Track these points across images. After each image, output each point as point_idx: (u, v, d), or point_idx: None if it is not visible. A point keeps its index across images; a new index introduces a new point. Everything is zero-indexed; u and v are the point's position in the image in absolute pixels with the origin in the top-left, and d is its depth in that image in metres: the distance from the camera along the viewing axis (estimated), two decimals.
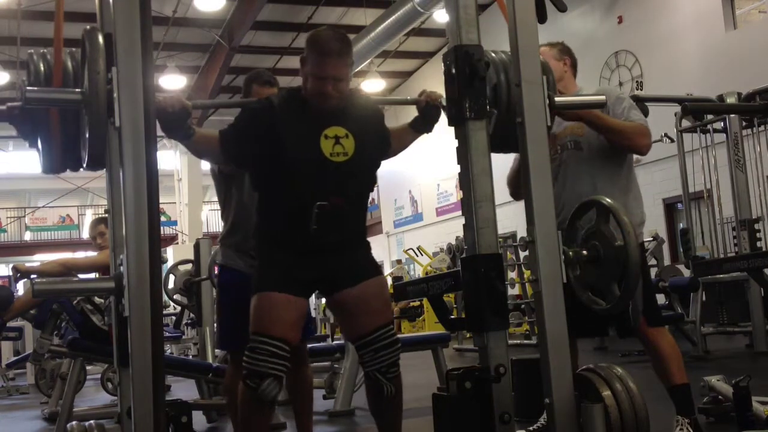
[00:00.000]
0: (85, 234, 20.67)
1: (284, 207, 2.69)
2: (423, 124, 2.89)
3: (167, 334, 8.50)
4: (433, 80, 17.29)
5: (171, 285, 6.44)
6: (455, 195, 17.10)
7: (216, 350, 5.62)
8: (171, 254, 16.77)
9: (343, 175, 2.65)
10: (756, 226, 6.62)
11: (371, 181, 2.85)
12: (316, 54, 2.63)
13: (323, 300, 8.46)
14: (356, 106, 2.77)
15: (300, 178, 2.64)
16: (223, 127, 2.71)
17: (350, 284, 2.72)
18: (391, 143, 2.90)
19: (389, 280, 15.07)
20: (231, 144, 2.67)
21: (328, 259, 2.70)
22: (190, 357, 9.05)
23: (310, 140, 2.63)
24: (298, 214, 2.63)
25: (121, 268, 1.93)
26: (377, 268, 2.86)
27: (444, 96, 2.62)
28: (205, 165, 21.32)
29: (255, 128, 2.67)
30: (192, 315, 7.81)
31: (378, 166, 2.87)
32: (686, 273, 7.18)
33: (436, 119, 2.85)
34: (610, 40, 12.86)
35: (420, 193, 19.53)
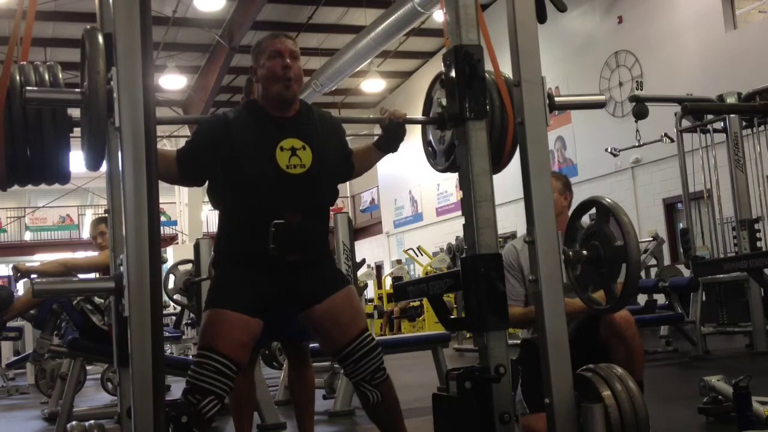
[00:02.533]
0: (85, 234, 20.69)
1: (242, 223, 2.64)
2: (387, 143, 2.79)
3: (167, 334, 8.51)
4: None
5: (171, 285, 6.43)
6: (455, 195, 17.12)
7: None
8: (171, 254, 16.77)
9: (300, 188, 2.61)
10: (756, 226, 6.62)
11: (332, 194, 2.78)
12: (268, 39, 2.72)
13: None
14: (315, 120, 2.73)
15: (256, 193, 2.59)
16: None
17: (318, 300, 2.67)
18: (353, 163, 2.85)
19: (389, 280, 15.10)
20: (188, 162, 2.64)
21: (290, 276, 2.64)
22: (190, 357, 9.05)
23: (265, 153, 2.59)
24: (256, 231, 2.58)
25: (121, 268, 1.93)
26: (344, 279, 2.81)
27: (406, 114, 2.68)
28: None
29: (211, 144, 2.62)
30: (192, 315, 7.81)
31: (339, 180, 2.81)
32: (686, 273, 7.18)
33: (400, 137, 2.76)
34: (610, 40, 12.86)
35: (420, 193, 19.53)
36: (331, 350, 2.72)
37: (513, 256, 3.37)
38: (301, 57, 2.73)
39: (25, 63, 2.19)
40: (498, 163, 2.67)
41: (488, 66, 2.50)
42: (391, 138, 2.77)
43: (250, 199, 2.61)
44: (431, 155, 2.84)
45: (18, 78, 2.13)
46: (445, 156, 2.71)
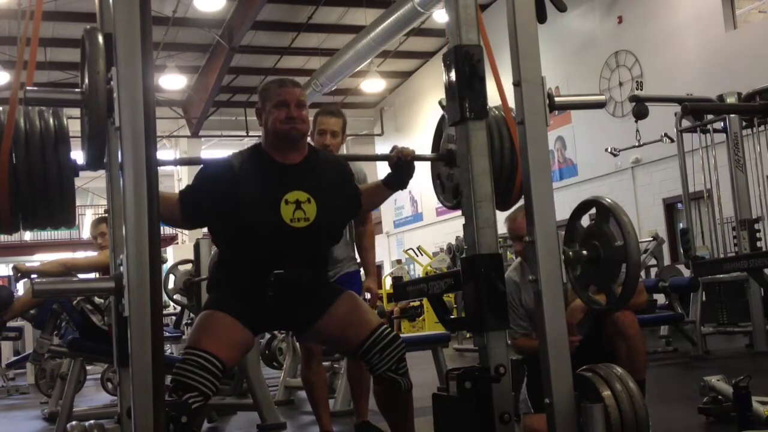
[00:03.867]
0: (85, 234, 20.65)
1: (242, 268, 2.66)
2: (396, 180, 2.79)
3: (167, 334, 8.50)
4: (432, 80, 17.30)
5: (171, 285, 6.43)
6: None
7: None
8: (171, 254, 16.78)
9: (303, 241, 2.62)
10: (756, 226, 6.61)
11: (335, 240, 2.81)
12: (275, 86, 2.68)
13: None
14: (320, 167, 2.72)
15: (258, 244, 2.60)
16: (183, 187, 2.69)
17: (318, 316, 2.69)
18: (361, 203, 2.84)
19: (389, 280, 15.09)
20: (191, 206, 2.63)
21: (287, 309, 2.67)
22: None
23: (269, 206, 2.58)
24: (255, 278, 2.60)
25: (121, 268, 1.93)
26: (339, 289, 2.82)
27: (415, 151, 2.68)
28: None
29: (214, 190, 2.62)
30: (192, 315, 7.80)
31: (343, 226, 2.83)
32: (686, 273, 7.18)
33: (409, 175, 2.75)
34: (610, 40, 12.86)
35: (420, 193, 19.51)
36: (351, 350, 2.70)
37: (515, 292, 3.39)
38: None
39: (32, 109, 2.20)
40: (506, 202, 2.68)
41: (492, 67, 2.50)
42: (399, 176, 2.76)
43: (251, 249, 2.62)
44: (440, 190, 2.82)
45: (23, 125, 2.13)
46: (453, 194, 2.70)
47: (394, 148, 2.76)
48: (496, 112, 2.66)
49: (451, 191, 2.69)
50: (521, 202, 2.76)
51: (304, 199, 2.60)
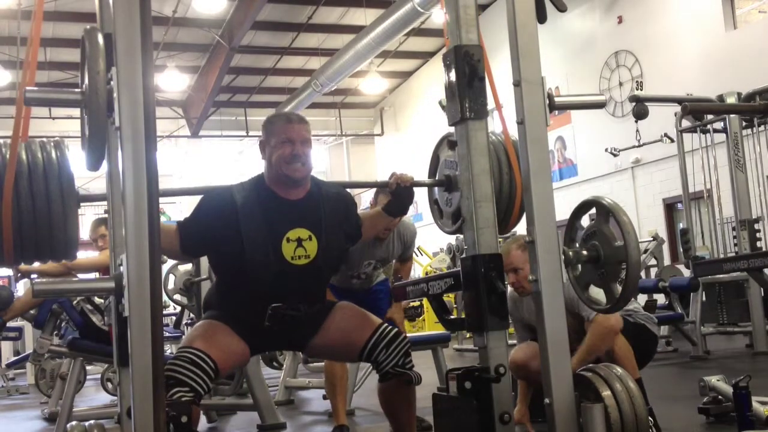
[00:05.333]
0: (85, 234, 20.58)
1: (240, 299, 2.66)
2: (396, 208, 2.80)
3: (167, 334, 8.50)
4: (432, 80, 17.29)
5: (171, 285, 6.43)
6: None
7: None
8: None
9: (303, 277, 2.62)
10: (756, 226, 6.61)
11: (334, 273, 2.84)
12: (282, 122, 2.64)
13: None
14: (323, 202, 2.70)
15: (257, 280, 2.59)
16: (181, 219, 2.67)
17: (314, 333, 2.71)
18: (362, 233, 2.84)
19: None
20: (190, 239, 2.61)
21: (283, 336, 2.70)
22: None
23: (271, 244, 2.57)
24: (253, 309, 2.61)
25: (121, 268, 1.93)
26: (331, 303, 2.83)
27: (413, 177, 2.69)
28: (205, 165, 20.99)
29: (215, 224, 2.59)
30: (192, 315, 7.80)
31: (343, 258, 2.85)
32: (686, 273, 7.17)
33: (409, 201, 2.75)
34: (610, 40, 12.85)
35: (420, 193, 19.52)
36: (356, 352, 2.70)
37: (513, 309, 3.42)
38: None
39: (33, 141, 2.21)
40: (505, 227, 2.68)
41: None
42: (399, 202, 2.76)
43: (250, 284, 2.61)
44: (438, 215, 2.80)
45: (25, 158, 2.13)
46: (452, 219, 2.69)
47: (393, 174, 2.75)
48: (495, 137, 2.66)
49: (450, 216, 2.67)
50: (516, 227, 2.79)
51: (305, 236, 2.60)
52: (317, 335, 2.71)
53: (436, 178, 2.76)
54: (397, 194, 2.73)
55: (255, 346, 2.70)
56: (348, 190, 2.98)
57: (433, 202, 2.82)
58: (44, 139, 2.23)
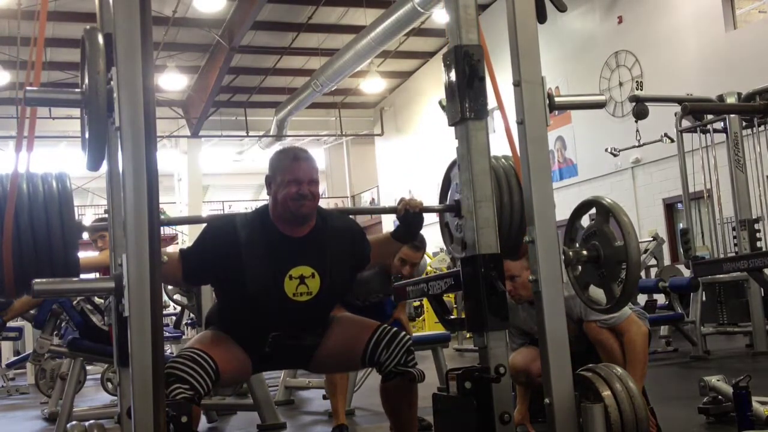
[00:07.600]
0: (84, 234, 20.54)
1: (243, 324, 2.67)
2: (405, 234, 2.76)
3: (167, 334, 8.50)
4: (432, 80, 17.29)
5: (171, 285, 6.43)
6: None
7: None
8: None
9: (304, 313, 2.63)
10: (756, 226, 6.61)
11: (337, 303, 2.83)
12: (289, 160, 2.60)
13: None
14: (329, 237, 2.67)
15: (258, 314, 2.60)
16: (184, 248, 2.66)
17: (314, 349, 2.73)
18: (369, 259, 2.81)
19: None
20: (192, 270, 2.60)
21: (283, 359, 2.75)
22: None
23: (273, 280, 2.56)
24: (254, 336, 2.64)
25: (121, 268, 1.93)
26: (331, 318, 2.82)
27: (422, 203, 2.66)
28: (205, 165, 21.02)
29: (218, 257, 2.58)
30: (192, 315, 7.80)
31: (348, 288, 2.84)
32: (686, 273, 7.17)
33: (418, 227, 2.71)
34: (610, 40, 12.85)
35: (420, 193, 19.54)
36: (358, 358, 2.70)
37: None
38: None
39: (34, 173, 2.22)
40: (515, 254, 2.66)
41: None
42: (408, 228, 2.72)
43: (251, 316, 2.62)
44: (448, 240, 2.73)
45: (26, 189, 2.14)
46: (462, 245, 2.67)
47: (402, 200, 2.71)
48: (504, 162, 2.63)
49: (461, 242, 2.64)
50: None
51: (308, 274, 2.59)
52: (318, 352, 2.73)
53: (447, 202, 2.70)
54: (405, 219, 2.69)
55: (256, 363, 2.71)
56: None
57: (444, 225, 2.77)
58: (47, 173, 2.24)
